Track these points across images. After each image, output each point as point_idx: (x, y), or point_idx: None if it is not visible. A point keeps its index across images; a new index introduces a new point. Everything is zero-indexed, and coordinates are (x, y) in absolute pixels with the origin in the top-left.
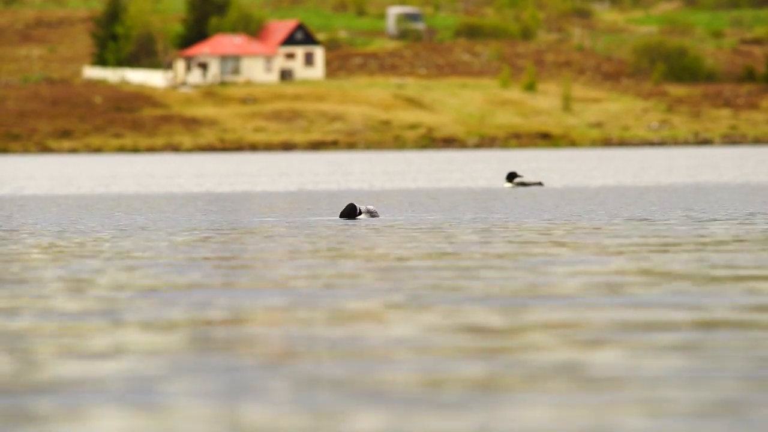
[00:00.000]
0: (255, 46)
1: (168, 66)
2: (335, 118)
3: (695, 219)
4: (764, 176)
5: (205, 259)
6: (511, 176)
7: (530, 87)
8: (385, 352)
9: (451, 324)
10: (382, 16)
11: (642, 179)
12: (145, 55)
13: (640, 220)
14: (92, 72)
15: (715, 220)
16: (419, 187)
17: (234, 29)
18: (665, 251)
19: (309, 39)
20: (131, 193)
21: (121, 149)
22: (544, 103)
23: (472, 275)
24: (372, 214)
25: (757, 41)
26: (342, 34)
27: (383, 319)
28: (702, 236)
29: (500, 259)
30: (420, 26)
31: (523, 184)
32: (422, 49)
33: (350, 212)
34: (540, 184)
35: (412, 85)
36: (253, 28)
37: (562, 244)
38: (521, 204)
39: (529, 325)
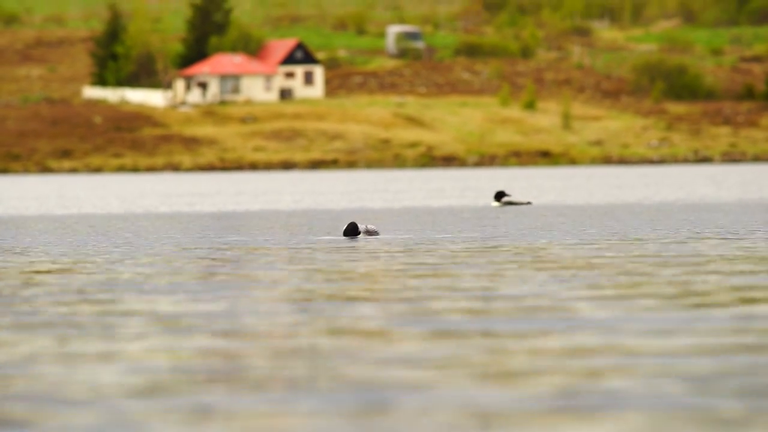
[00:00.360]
0: (254, 65)
1: (168, 85)
2: (335, 136)
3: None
4: (736, 193)
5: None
6: (498, 195)
7: (530, 105)
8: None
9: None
10: (381, 34)
11: (632, 197)
12: (144, 75)
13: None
14: (92, 92)
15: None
16: (405, 206)
17: (234, 48)
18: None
19: (309, 58)
20: (135, 212)
21: (121, 169)
22: (544, 122)
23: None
24: (371, 233)
25: (756, 59)
26: (342, 53)
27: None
28: (642, 255)
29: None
30: (420, 45)
31: (511, 203)
32: (422, 68)
33: (352, 230)
34: (529, 203)
35: (411, 104)
36: (253, 48)
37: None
38: (491, 223)
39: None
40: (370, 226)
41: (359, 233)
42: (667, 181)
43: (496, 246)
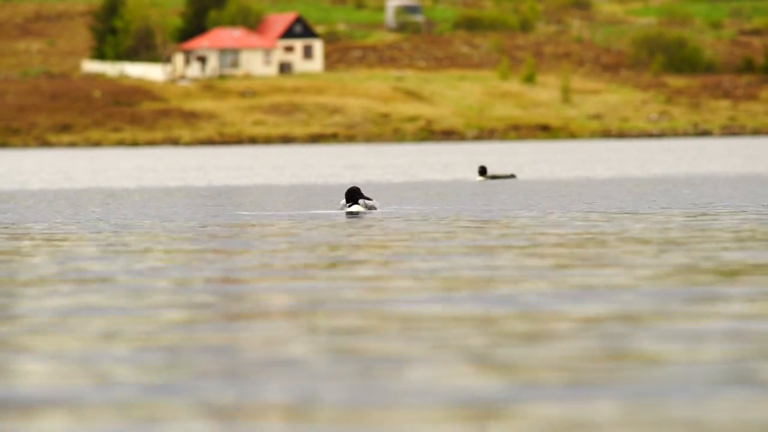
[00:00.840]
0: (254, 39)
1: (167, 60)
2: (334, 111)
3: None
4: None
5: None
6: (482, 170)
7: (529, 79)
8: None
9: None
10: (380, 8)
11: (624, 171)
12: (144, 49)
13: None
14: (91, 66)
15: (637, 213)
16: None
17: (233, 22)
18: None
19: (308, 32)
20: (138, 186)
21: (121, 143)
22: (543, 95)
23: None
24: (369, 207)
25: (756, 32)
26: (341, 27)
27: None
28: (602, 232)
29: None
30: (419, 18)
31: (494, 177)
32: (421, 42)
33: (352, 195)
34: (512, 176)
35: (411, 78)
36: (252, 22)
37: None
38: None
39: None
40: (369, 201)
41: (356, 201)
42: (651, 155)
43: (456, 219)
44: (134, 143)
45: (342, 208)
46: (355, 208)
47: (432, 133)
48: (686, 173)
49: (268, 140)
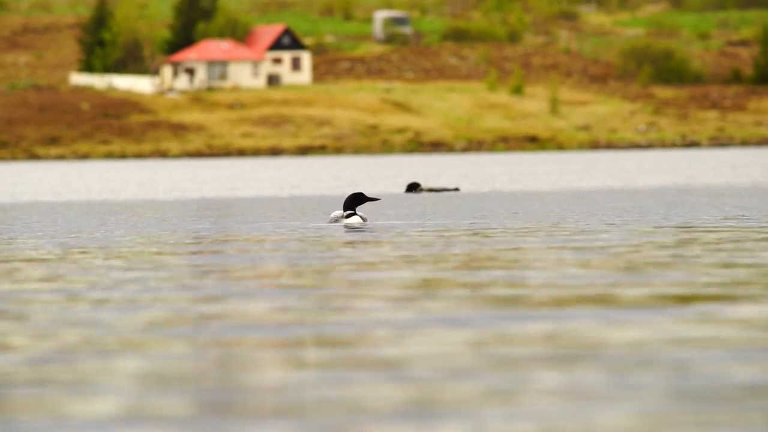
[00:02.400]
0: (242, 51)
1: (155, 72)
2: (323, 122)
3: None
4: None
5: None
6: (412, 186)
7: (517, 90)
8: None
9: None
10: (369, 20)
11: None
12: (132, 61)
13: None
14: (79, 78)
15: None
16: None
17: (221, 34)
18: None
19: (296, 44)
20: (126, 199)
21: (109, 155)
22: (532, 107)
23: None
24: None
25: (743, 43)
26: (329, 39)
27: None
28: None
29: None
30: (407, 30)
31: (432, 190)
32: (409, 53)
33: (351, 204)
34: (456, 189)
35: (399, 89)
36: (240, 34)
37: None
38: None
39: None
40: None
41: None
42: (618, 166)
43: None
44: (123, 156)
45: (336, 220)
46: (353, 220)
47: (420, 145)
48: (630, 186)
49: (256, 152)
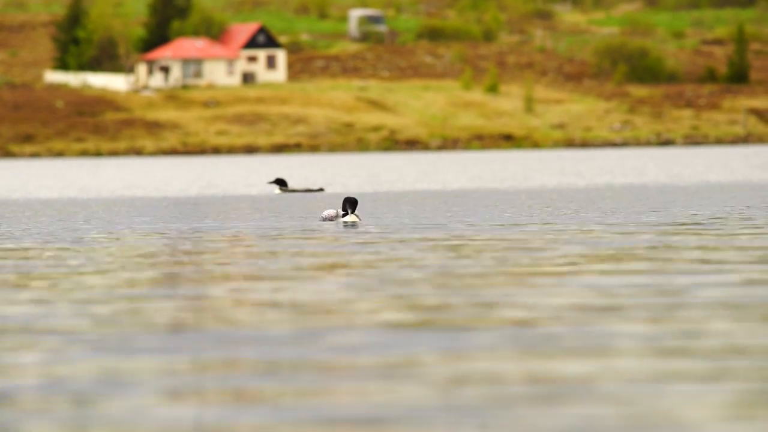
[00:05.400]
0: (217, 49)
1: (130, 70)
2: (298, 120)
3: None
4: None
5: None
6: (280, 182)
7: (492, 89)
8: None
9: None
10: (344, 18)
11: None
12: (106, 59)
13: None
14: (54, 76)
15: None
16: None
17: (196, 33)
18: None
19: (271, 42)
20: (100, 197)
21: (84, 153)
22: (507, 105)
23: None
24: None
25: (718, 42)
26: (304, 37)
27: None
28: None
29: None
30: (382, 28)
31: (294, 191)
32: (384, 52)
33: (350, 204)
34: (321, 190)
35: (374, 88)
36: (215, 32)
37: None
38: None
39: None
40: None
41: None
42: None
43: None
44: (97, 153)
45: (333, 218)
46: (350, 218)
47: (396, 143)
48: (502, 187)
49: (231, 150)
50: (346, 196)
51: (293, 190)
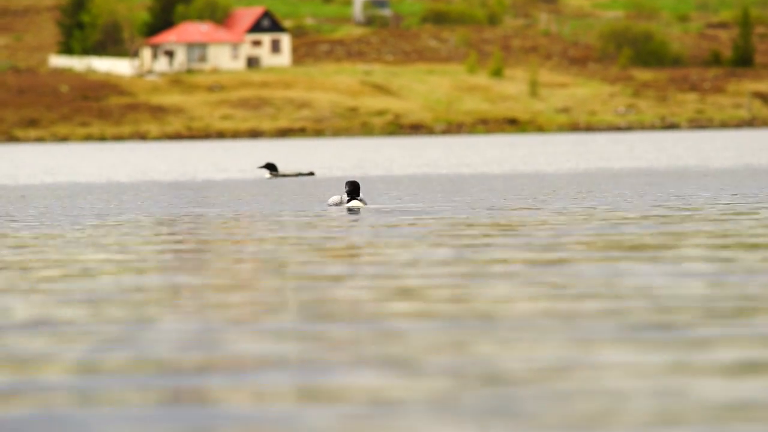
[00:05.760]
0: (221, 33)
1: (134, 54)
2: (302, 105)
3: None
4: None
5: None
6: (270, 167)
7: (497, 73)
8: None
9: None
10: (348, 2)
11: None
12: (111, 44)
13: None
14: (58, 61)
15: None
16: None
17: (200, 17)
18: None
19: (275, 26)
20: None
21: (88, 138)
22: (511, 89)
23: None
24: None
25: (722, 25)
26: (308, 21)
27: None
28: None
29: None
30: (386, 12)
31: (285, 175)
32: (389, 36)
33: (354, 189)
34: (311, 174)
35: (379, 72)
36: (220, 16)
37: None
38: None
39: None
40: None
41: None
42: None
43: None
44: (102, 138)
45: (338, 204)
46: (354, 203)
47: (400, 127)
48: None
49: (236, 135)
50: (347, 180)
51: (284, 175)
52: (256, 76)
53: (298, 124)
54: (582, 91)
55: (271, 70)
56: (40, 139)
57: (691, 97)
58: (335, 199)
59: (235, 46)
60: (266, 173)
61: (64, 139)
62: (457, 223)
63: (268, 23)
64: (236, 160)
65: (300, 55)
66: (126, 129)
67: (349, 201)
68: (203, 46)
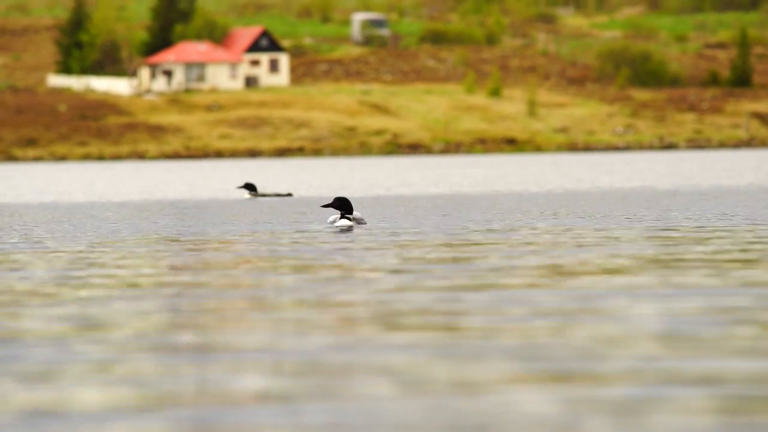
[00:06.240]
0: (220, 53)
1: (133, 73)
2: (301, 124)
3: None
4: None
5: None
6: (249, 187)
7: (495, 92)
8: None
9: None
10: (347, 22)
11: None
12: (109, 63)
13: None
14: (57, 80)
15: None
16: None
17: (199, 36)
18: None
19: (274, 46)
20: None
21: (87, 157)
22: (510, 109)
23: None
24: (358, 221)
25: (720, 45)
26: (307, 41)
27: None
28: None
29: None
30: (385, 32)
31: (264, 195)
32: (387, 55)
33: (342, 206)
34: (289, 195)
35: (377, 92)
36: (218, 35)
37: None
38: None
39: None
40: (356, 214)
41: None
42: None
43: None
44: (100, 157)
45: (332, 222)
46: (341, 222)
47: (398, 147)
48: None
49: (234, 154)
50: (336, 196)
51: (263, 195)
52: (254, 96)
53: (296, 144)
54: (580, 111)
55: (270, 89)
56: (38, 159)
57: (690, 117)
58: (337, 218)
59: (234, 65)
60: (245, 193)
61: (62, 158)
62: (408, 243)
63: (266, 43)
64: (220, 180)
65: (298, 75)
66: (124, 148)
67: (347, 218)
68: (201, 65)
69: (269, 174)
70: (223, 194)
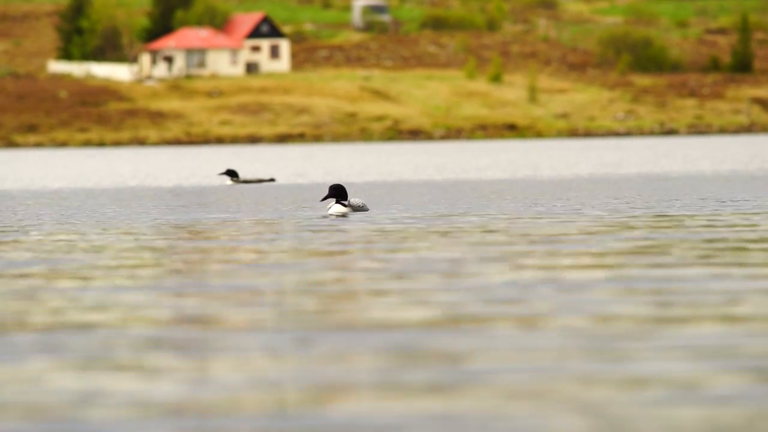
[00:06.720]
0: (220, 39)
1: (133, 60)
2: (301, 110)
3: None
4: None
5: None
6: (231, 173)
7: (496, 78)
8: None
9: None
10: (347, 8)
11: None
12: (110, 49)
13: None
14: (57, 66)
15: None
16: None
17: (199, 22)
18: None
19: (274, 32)
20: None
21: (87, 143)
22: (510, 95)
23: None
24: (358, 207)
25: (721, 31)
26: (307, 27)
27: None
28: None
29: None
30: (386, 18)
31: (246, 181)
32: (388, 41)
33: (335, 193)
34: (272, 180)
35: (378, 77)
36: (219, 21)
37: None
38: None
39: None
40: (357, 200)
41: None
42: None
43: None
44: (101, 143)
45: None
46: (335, 209)
47: (399, 133)
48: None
49: (235, 140)
50: (331, 184)
51: (245, 181)
52: (255, 82)
53: (297, 130)
54: (581, 97)
55: (270, 75)
56: (39, 145)
57: (690, 102)
58: (331, 206)
59: (234, 51)
60: (227, 180)
61: (62, 144)
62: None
63: (267, 29)
64: (206, 166)
65: (299, 61)
66: (125, 135)
67: (343, 205)
68: (202, 51)
69: (269, 160)
70: (207, 180)
